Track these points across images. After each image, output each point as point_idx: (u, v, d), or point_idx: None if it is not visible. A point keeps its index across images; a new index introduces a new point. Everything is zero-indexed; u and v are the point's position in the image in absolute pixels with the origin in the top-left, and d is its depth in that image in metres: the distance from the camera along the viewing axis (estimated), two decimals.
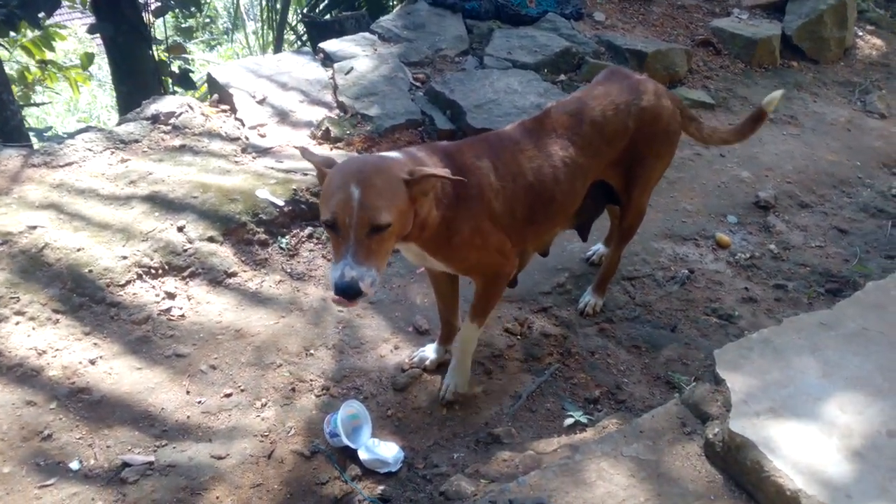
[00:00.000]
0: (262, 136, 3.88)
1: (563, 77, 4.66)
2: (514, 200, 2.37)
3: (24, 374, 2.60)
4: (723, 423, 1.89)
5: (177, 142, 3.76)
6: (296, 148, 3.33)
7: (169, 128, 3.86)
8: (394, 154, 2.17)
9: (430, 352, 2.84)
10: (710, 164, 4.36)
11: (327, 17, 8.01)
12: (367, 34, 5.00)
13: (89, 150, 3.59)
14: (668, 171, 2.98)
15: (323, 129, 3.88)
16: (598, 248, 3.45)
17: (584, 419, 2.57)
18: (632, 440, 1.96)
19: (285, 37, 9.57)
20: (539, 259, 3.44)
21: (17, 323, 2.76)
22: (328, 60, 4.66)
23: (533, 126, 2.53)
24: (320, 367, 2.81)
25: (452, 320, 2.80)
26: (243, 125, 3.96)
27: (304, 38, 9.07)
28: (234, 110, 4.09)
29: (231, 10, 14.61)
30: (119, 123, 3.88)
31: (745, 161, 4.44)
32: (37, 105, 8.19)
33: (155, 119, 3.88)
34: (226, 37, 14.77)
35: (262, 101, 4.11)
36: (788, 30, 5.74)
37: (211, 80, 4.38)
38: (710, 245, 3.71)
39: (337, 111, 4.15)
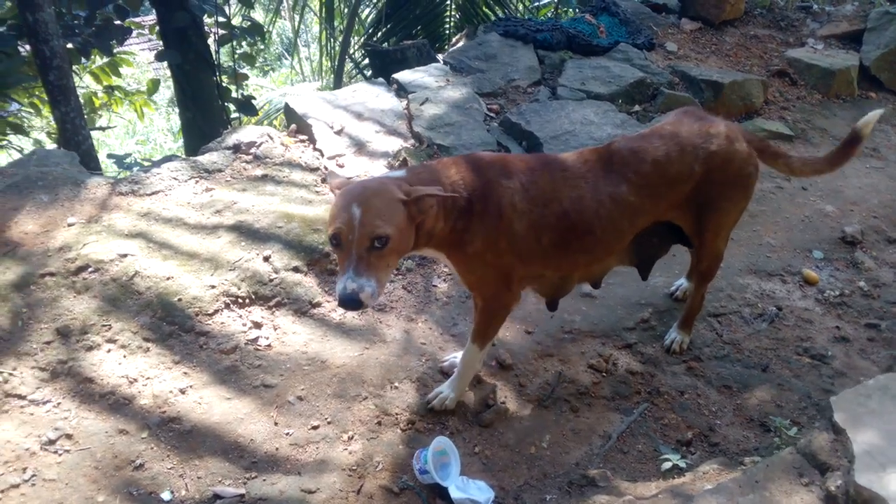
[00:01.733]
0: (341, 166, 3.91)
1: (637, 108, 4.62)
2: (540, 226, 2.37)
3: (116, 403, 2.64)
4: (846, 476, 1.81)
5: (258, 171, 3.82)
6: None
7: (250, 157, 3.92)
8: (397, 173, 2.29)
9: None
10: (793, 198, 4.25)
11: (385, 44, 8.13)
12: (438, 65, 5.04)
13: (174, 178, 3.67)
14: (749, 204, 2.89)
15: (400, 159, 3.90)
16: (681, 283, 3.38)
17: (681, 463, 2.49)
18: (747, 490, 1.88)
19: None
20: (621, 293, 3.39)
21: (109, 351, 2.81)
22: (402, 91, 4.70)
23: (591, 156, 2.51)
24: (405, 400, 2.79)
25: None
26: (322, 155, 4.00)
27: (362, 65, 9.22)
28: (312, 140, 4.14)
29: (284, 36, 14.98)
30: (202, 153, 3.96)
31: (829, 195, 4.31)
32: (101, 129, 8.45)
33: (236, 148, 3.96)
34: (278, 62, 15.13)
35: (339, 132, 4.16)
36: (866, 60, 5.60)
37: (289, 111, 4.45)
38: (797, 281, 3.59)
39: (412, 141, 4.17)
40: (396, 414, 2.73)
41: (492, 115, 4.41)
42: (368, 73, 9.11)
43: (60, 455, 2.44)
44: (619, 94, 4.61)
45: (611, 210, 2.44)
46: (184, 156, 4.37)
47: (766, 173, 4.45)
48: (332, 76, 9.73)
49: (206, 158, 3.83)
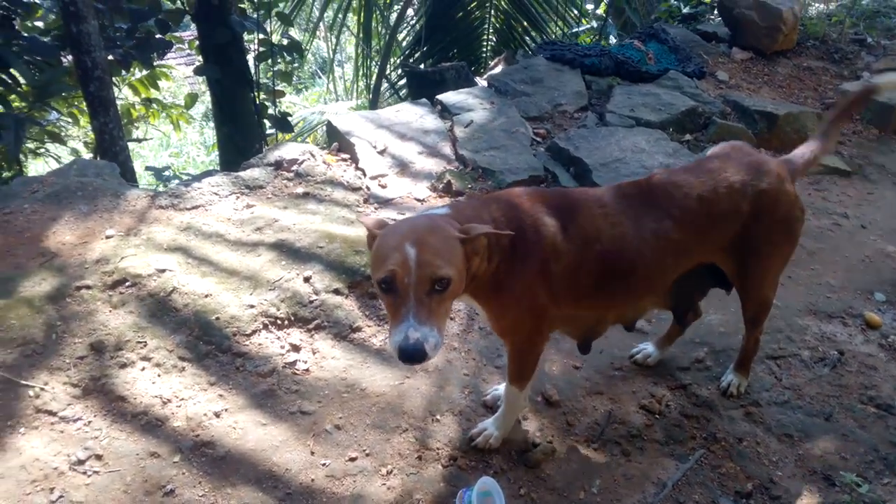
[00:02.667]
0: (383, 186, 3.82)
1: (689, 137, 4.48)
2: (579, 267, 2.20)
3: (148, 423, 2.54)
4: None
5: (300, 189, 3.74)
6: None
7: (292, 174, 3.85)
8: (440, 210, 2.10)
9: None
10: (852, 236, 4.07)
11: (422, 66, 8.10)
12: (483, 87, 4.96)
13: (215, 193, 3.60)
14: (807, 241, 2.73)
15: (444, 181, 3.80)
16: (644, 347, 3.06)
17: None
18: None
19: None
20: None
21: (143, 369, 2.71)
22: (445, 112, 4.62)
23: (630, 190, 2.35)
24: (447, 434, 2.65)
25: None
26: (365, 175, 3.92)
27: (397, 86, 9.19)
28: (354, 160, 4.06)
29: (317, 55, 15.08)
30: (243, 168, 3.89)
31: (890, 234, 4.12)
32: (138, 141, 8.50)
33: (278, 165, 3.89)
34: (312, 81, 15.23)
35: (382, 152, 4.07)
36: None
37: (331, 129, 4.38)
38: (858, 324, 3.40)
39: (456, 164, 4.07)
40: (437, 449, 2.60)
41: (538, 139, 4.31)
42: (403, 93, 9.11)
43: (89, 476, 2.34)
44: (670, 123, 4.48)
45: (654, 248, 2.28)
46: (218, 170, 4.33)
47: (823, 209, 4.29)
48: (366, 96, 9.75)
49: (247, 174, 3.77)
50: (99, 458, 2.39)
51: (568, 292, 2.24)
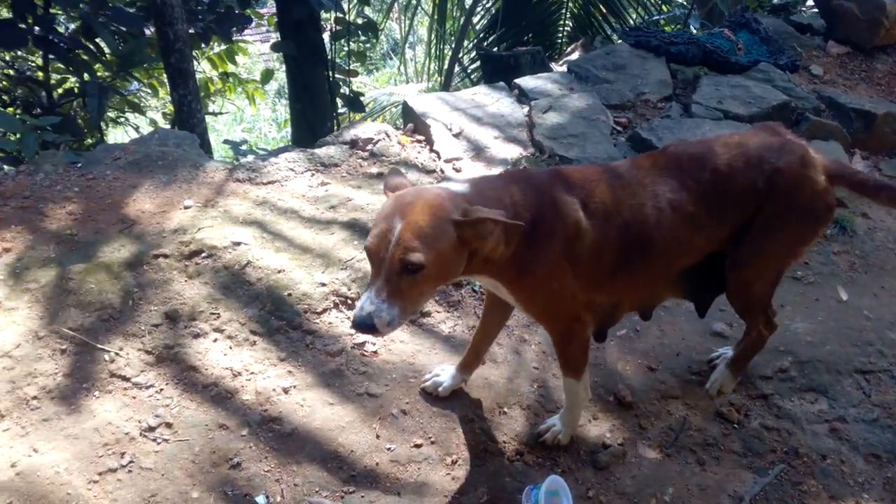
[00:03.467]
0: (458, 170, 3.75)
1: None
2: (603, 242, 2.10)
3: (218, 395, 2.55)
4: None
5: (374, 169, 3.71)
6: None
7: (366, 154, 3.82)
8: (462, 186, 1.99)
9: (445, 376, 2.62)
10: None
11: (495, 49, 7.97)
12: (562, 72, 4.83)
13: (291, 169, 3.60)
14: (806, 249, 2.48)
15: (520, 167, 3.70)
16: (725, 352, 2.90)
17: None
18: None
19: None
20: None
21: (216, 340, 2.73)
22: (523, 97, 4.51)
23: (645, 162, 2.25)
24: (514, 428, 2.59)
25: (481, 351, 2.62)
26: (439, 157, 3.86)
27: (469, 69, 9.09)
28: (429, 142, 4.00)
29: (389, 36, 15.05)
30: (319, 145, 3.88)
31: None
32: (214, 114, 8.64)
33: (353, 144, 3.86)
34: (382, 62, 15.24)
35: (457, 135, 4.00)
36: None
37: (407, 109, 4.33)
38: None
39: (532, 150, 3.97)
40: (504, 442, 2.53)
41: (619, 128, 4.16)
42: (475, 76, 9.00)
43: (159, 444, 2.36)
44: (760, 117, 4.26)
45: (671, 219, 2.15)
46: (293, 146, 4.33)
47: None
48: (437, 78, 9.68)
49: (322, 152, 3.75)
50: (169, 426, 2.41)
51: (593, 273, 2.14)
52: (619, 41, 5.50)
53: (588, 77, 4.69)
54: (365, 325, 1.78)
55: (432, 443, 2.50)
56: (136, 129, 7.79)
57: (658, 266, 2.26)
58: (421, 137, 4.09)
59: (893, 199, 2.40)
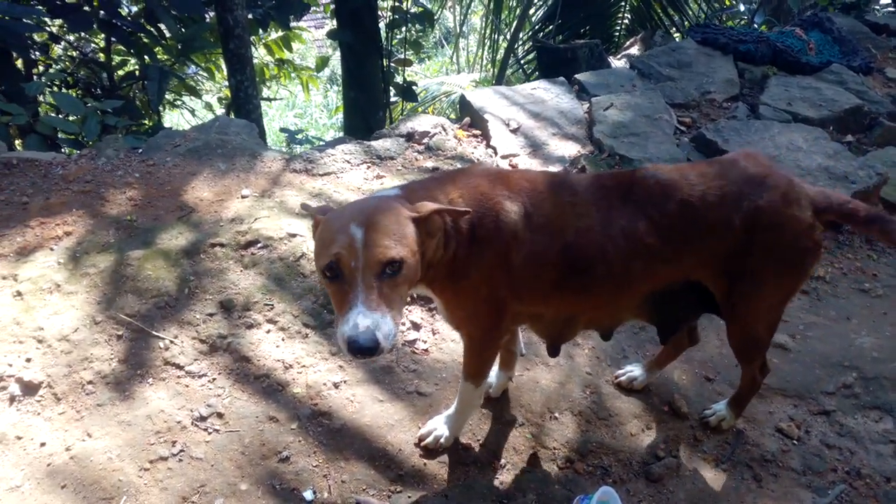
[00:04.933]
0: (514, 166, 3.70)
1: (850, 138, 4.09)
2: (541, 259, 1.97)
3: (269, 387, 2.56)
4: None
5: (429, 163, 3.67)
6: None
7: (422, 147, 3.78)
8: (391, 191, 1.92)
9: (492, 377, 2.57)
10: None
11: (551, 41, 7.84)
12: (624, 68, 4.72)
13: (347, 161, 3.59)
14: (800, 285, 2.29)
15: (579, 166, 3.62)
16: (631, 370, 2.74)
17: None
18: None
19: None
20: (822, 350, 2.97)
21: (269, 332, 2.73)
22: (583, 93, 4.42)
23: (609, 182, 2.09)
24: (564, 434, 2.53)
25: (511, 347, 2.55)
26: (496, 153, 3.80)
27: (524, 61, 8.96)
28: (486, 136, 3.95)
29: (442, 25, 14.97)
30: (375, 138, 3.86)
31: None
32: (268, 100, 8.72)
33: (409, 137, 3.83)
34: (434, 50, 15.17)
35: (515, 131, 3.94)
36: None
37: (464, 103, 4.29)
38: None
39: (592, 148, 3.88)
40: (554, 448, 2.48)
41: (682, 128, 4.04)
42: (529, 68, 8.89)
43: (210, 434, 2.38)
44: (831, 121, 4.10)
45: (622, 249, 2.01)
46: (342, 134, 4.32)
47: None
48: (490, 69, 9.57)
49: (378, 144, 3.73)
50: (220, 416, 2.43)
51: (529, 287, 2.03)
52: (685, 37, 5.34)
53: (651, 74, 4.56)
54: (369, 342, 1.57)
55: (481, 445, 2.46)
56: (192, 112, 7.91)
57: (605, 290, 2.11)
58: (478, 132, 4.04)
59: (886, 233, 2.18)
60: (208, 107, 8.27)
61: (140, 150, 3.57)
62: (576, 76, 4.55)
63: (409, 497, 2.27)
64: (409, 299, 2.85)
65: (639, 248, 2.03)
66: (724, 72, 4.52)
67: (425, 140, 3.81)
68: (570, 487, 2.35)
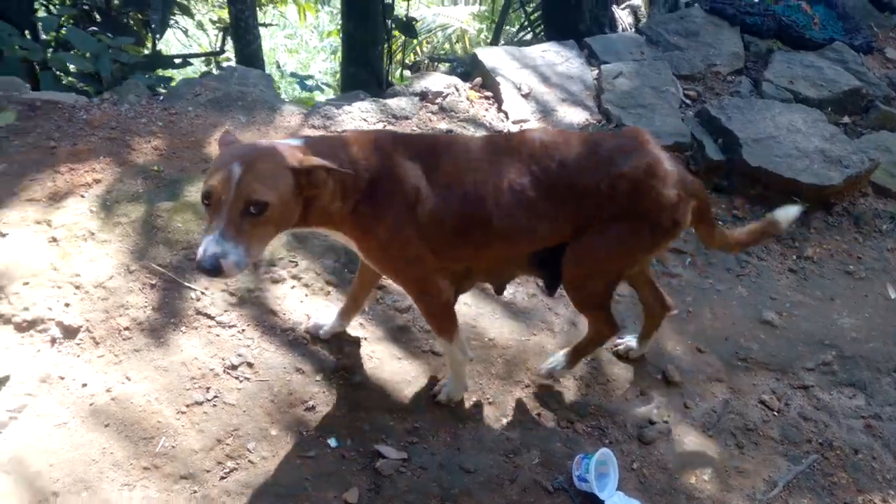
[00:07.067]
0: None
1: (846, 119, 4.24)
2: (444, 211, 2.16)
3: (295, 340, 2.73)
4: None
5: (443, 125, 3.78)
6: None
7: (436, 108, 3.88)
8: (294, 141, 2.07)
9: (326, 319, 2.73)
10: None
11: None
12: (633, 34, 4.79)
13: (364, 119, 3.68)
14: (641, 256, 2.44)
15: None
16: (627, 339, 2.95)
17: None
18: None
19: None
20: (805, 328, 3.19)
21: (293, 287, 2.89)
22: (593, 57, 4.50)
23: (500, 141, 2.35)
24: (567, 396, 2.75)
25: (359, 300, 2.70)
26: (507, 118, 3.91)
27: (528, 9, 8.88)
28: (498, 100, 4.04)
29: None
30: (389, 96, 3.94)
31: None
32: (264, 26, 8.62)
33: (423, 96, 3.92)
34: None
35: (526, 95, 4.04)
36: None
37: (475, 61, 4.35)
38: None
39: (598, 117, 4.00)
40: (556, 409, 2.70)
41: (688, 101, 4.16)
42: (532, 12, 8.83)
43: (241, 382, 2.56)
44: (830, 102, 4.24)
45: (510, 200, 2.19)
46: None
47: None
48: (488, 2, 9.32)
49: (394, 103, 3.82)
50: (250, 365, 2.61)
51: (438, 239, 2.21)
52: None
53: (659, 41, 4.65)
54: (212, 266, 1.78)
55: (490, 403, 2.68)
56: (185, 31, 7.81)
57: (500, 244, 2.28)
58: (489, 94, 4.13)
59: (721, 241, 2.57)
60: (199, 26, 8.16)
61: (161, 98, 3.62)
62: (586, 40, 4.62)
63: (425, 448, 2.49)
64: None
65: (525, 202, 2.20)
66: (731, 44, 4.62)
67: (438, 100, 3.90)
68: (570, 446, 2.58)
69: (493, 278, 2.58)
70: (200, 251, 1.79)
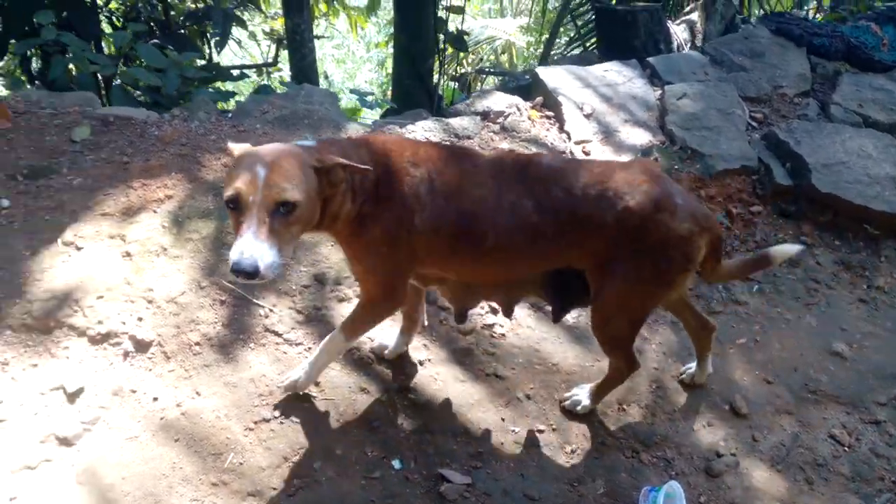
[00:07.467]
0: (587, 153, 3.79)
1: None
2: (440, 221, 2.16)
3: (360, 360, 2.75)
4: None
5: (505, 144, 3.78)
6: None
7: (497, 127, 3.88)
8: (308, 142, 2.10)
9: (390, 340, 2.74)
10: None
11: (612, 2, 7.72)
12: (696, 54, 4.73)
13: (427, 139, 3.70)
14: (663, 292, 2.37)
15: (652, 158, 3.71)
16: (689, 367, 2.91)
17: None
18: None
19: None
20: (876, 360, 3.11)
21: None
22: (655, 77, 4.46)
23: (508, 161, 2.30)
24: (632, 426, 2.72)
25: (413, 316, 2.70)
26: (569, 139, 3.90)
27: (577, 19, 8.82)
28: (559, 120, 4.03)
29: None
30: (452, 114, 3.96)
31: None
32: (318, 37, 8.75)
33: (485, 116, 3.93)
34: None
35: (588, 115, 4.01)
36: None
37: (536, 80, 4.35)
38: None
39: (662, 138, 3.96)
40: (621, 439, 2.67)
41: (754, 124, 4.09)
42: (584, 30, 8.78)
43: (307, 401, 2.58)
44: None
45: (508, 220, 2.18)
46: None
47: None
48: (536, 14, 9.27)
49: (456, 122, 3.84)
50: (316, 384, 2.63)
51: (429, 248, 2.21)
52: (746, 9, 5.28)
53: (724, 62, 4.58)
54: (251, 268, 1.76)
55: (553, 430, 2.66)
56: (239, 42, 7.96)
57: (497, 262, 2.29)
58: (550, 113, 4.12)
59: (717, 276, 2.52)
60: (252, 37, 8.30)
61: (230, 115, 3.70)
62: (648, 59, 4.57)
63: (489, 472, 2.48)
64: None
65: (524, 224, 2.20)
66: (797, 65, 4.53)
67: (500, 120, 3.90)
68: (635, 476, 2.54)
69: (500, 297, 2.57)
70: (236, 253, 1.78)
